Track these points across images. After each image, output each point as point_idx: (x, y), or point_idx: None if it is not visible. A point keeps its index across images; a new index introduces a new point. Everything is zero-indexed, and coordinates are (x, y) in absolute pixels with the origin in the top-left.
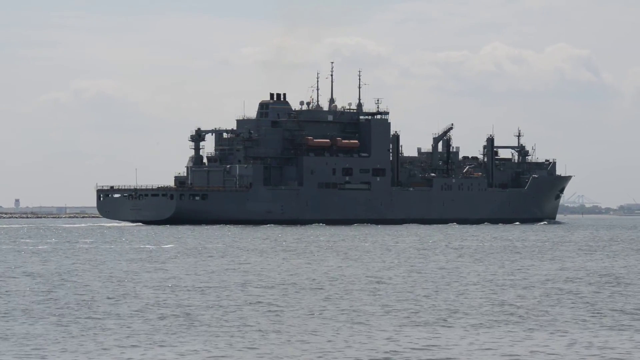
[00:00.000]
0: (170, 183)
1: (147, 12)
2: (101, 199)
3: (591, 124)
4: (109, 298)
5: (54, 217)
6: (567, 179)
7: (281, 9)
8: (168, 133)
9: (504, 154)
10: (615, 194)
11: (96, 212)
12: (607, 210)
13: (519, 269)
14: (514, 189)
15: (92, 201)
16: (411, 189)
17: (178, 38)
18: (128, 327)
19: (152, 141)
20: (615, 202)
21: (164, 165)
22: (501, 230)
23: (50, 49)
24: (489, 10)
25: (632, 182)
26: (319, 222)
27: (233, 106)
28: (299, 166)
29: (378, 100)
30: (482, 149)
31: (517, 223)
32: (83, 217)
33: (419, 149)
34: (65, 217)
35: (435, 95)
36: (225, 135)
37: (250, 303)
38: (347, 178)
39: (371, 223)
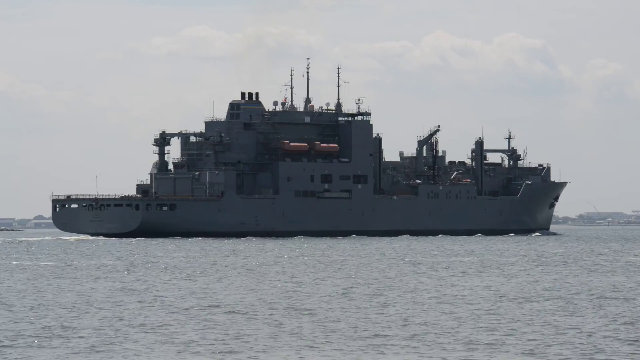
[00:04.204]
0: (132, 192)
1: None
2: (57, 209)
3: (547, 122)
4: None
5: None
6: (562, 185)
7: None
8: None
9: (492, 158)
10: (573, 202)
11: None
12: (565, 220)
13: None
14: (506, 197)
15: None
16: (395, 197)
17: (80, 26)
18: None
19: (61, 142)
20: (573, 211)
21: (121, 172)
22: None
23: None
24: None
25: (592, 190)
26: (296, 234)
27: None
28: (274, 173)
29: (359, 100)
30: (469, 153)
31: (512, 234)
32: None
33: (401, 153)
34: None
35: (373, 91)
36: (192, 138)
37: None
38: (326, 185)
39: (352, 234)
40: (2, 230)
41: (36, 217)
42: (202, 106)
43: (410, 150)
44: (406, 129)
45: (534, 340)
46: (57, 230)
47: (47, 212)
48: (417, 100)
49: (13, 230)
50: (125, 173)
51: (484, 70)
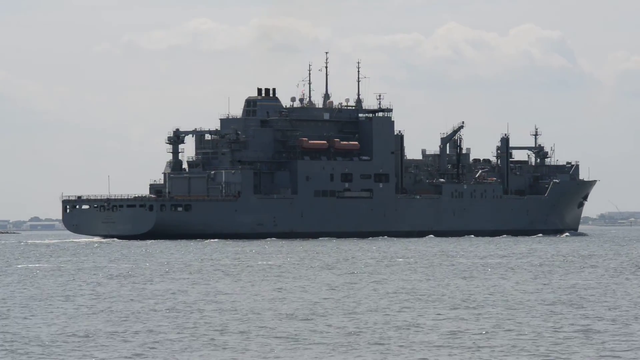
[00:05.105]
0: (145, 192)
1: None
2: (67, 210)
3: (565, 118)
4: None
5: None
6: (591, 183)
7: None
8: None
9: (518, 155)
10: (593, 201)
11: None
12: (586, 220)
13: None
14: (533, 196)
15: None
16: (418, 196)
17: (74, 19)
18: None
19: (57, 141)
20: (594, 211)
21: (130, 171)
22: None
23: None
24: None
25: (612, 188)
26: (315, 236)
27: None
28: (293, 171)
29: (380, 96)
30: (493, 150)
31: (540, 235)
32: None
33: (423, 151)
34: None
35: (383, 85)
36: (207, 136)
37: None
38: (346, 185)
39: (374, 235)
40: None
41: (32, 219)
42: (209, 102)
43: (433, 148)
44: (422, 125)
45: None
46: (60, 232)
47: (43, 213)
48: (430, 95)
49: (8, 232)
50: (134, 172)
51: (500, 63)
